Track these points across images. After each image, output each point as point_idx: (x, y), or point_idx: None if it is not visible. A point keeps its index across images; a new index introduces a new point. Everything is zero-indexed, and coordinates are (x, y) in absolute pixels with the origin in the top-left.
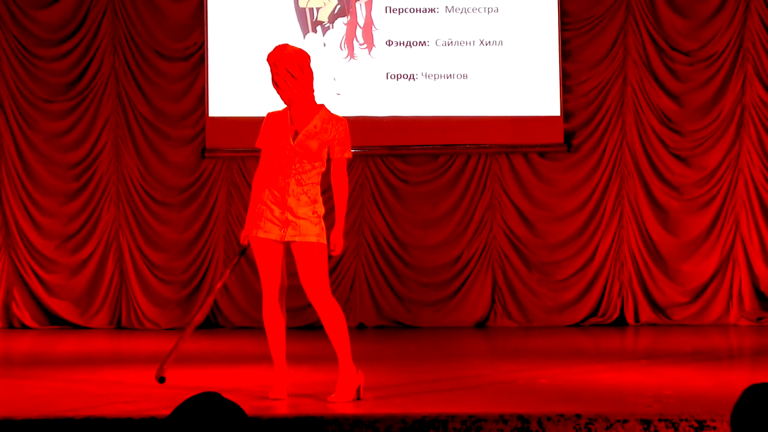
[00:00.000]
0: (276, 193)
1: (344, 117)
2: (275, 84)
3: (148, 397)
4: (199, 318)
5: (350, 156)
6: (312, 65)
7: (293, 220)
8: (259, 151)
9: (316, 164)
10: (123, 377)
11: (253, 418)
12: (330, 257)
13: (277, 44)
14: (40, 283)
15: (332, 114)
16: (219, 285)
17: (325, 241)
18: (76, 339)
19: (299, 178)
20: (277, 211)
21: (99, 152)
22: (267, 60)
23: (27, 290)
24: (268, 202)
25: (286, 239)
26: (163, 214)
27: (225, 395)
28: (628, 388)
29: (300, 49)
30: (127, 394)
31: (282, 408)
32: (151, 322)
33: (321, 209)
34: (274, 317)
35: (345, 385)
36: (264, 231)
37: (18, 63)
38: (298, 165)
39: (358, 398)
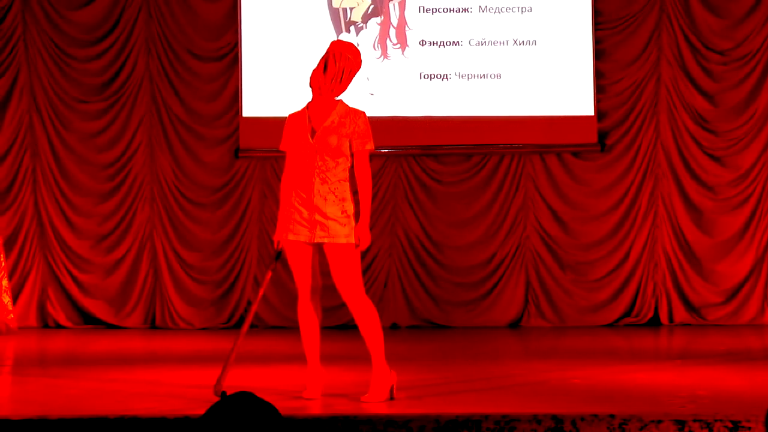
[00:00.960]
0: (303, 194)
1: (362, 110)
2: (322, 69)
3: (182, 396)
4: (245, 328)
5: (372, 148)
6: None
7: (321, 221)
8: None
9: (340, 160)
10: (157, 377)
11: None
12: (363, 255)
13: (349, 42)
14: (75, 283)
15: (350, 107)
16: (261, 293)
17: (355, 241)
18: (111, 338)
19: (323, 176)
20: (305, 213)
21: (133, 152)
22: (333, 45)
23: (62, 290)
24: (296, 204)
25: (315, 240)
26: (197, 213)
27: (259, 395)
28: (662, 388)
29: (361, 57)
30: (161, 393)
31: (316, 408)
32: (185, 322)
33: (350, 207)
34: (308, 318)
35: (378, 385)
36: (294, 233)
37: (53, 63)
38: (320, 163)
39: (392, 398)
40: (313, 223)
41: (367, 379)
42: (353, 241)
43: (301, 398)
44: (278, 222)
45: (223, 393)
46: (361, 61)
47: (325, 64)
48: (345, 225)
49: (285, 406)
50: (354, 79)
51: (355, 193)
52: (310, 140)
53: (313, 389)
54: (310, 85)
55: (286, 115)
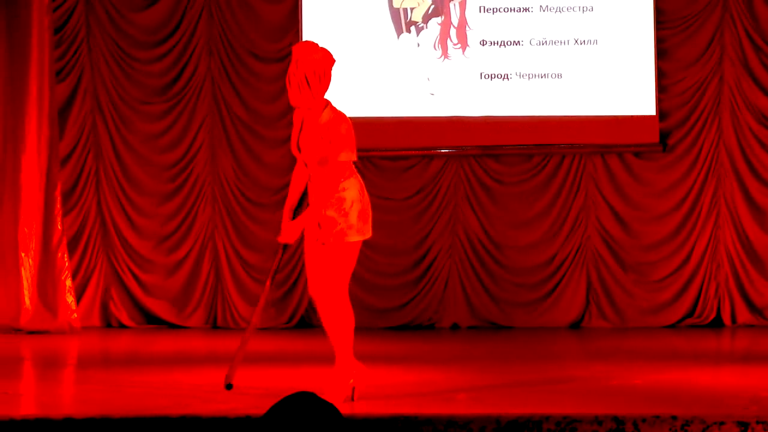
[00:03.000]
0: (311, 195)
1: (346, 116)
2: (287, 81)
3: (243, 396)
4: (257, 321)
5: (346, 158)
6: (332, 70)
7: (318, 222)
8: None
9: (326, 164)
10: (219, 376)
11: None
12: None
13: (307, 41)
14: (137, 283)
15: (335, 113)
16: (267, 284)
17: (350, 240)
18: (173, 338)
19: (316, 180)
20: (312, 215)
21: (195, 153)
22: (292, 52)
23: (124, 290)
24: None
25: (313, 241)
26: (258, 214)
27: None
28: (724, 389)
29: (328, 53)
30: (223, 393)
31: (376, 408)
32: (246, 322)
33: (348, 205)
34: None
35: (340, 384)
36: (304, 234)
37: (115, 65)
38: (310, 168)
39: (352, 399)
40: (315, 224)
41: (426, 379)
42: (349, 240)
43: (363, 399)
44: (284, 216)
45: (230, 385)
46: (325, 56)
47: (287, 77)
48: (340, 224)
49: (345, 406)
50: (331, 72)
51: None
52: (297, 148)
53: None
54: (291, 104)
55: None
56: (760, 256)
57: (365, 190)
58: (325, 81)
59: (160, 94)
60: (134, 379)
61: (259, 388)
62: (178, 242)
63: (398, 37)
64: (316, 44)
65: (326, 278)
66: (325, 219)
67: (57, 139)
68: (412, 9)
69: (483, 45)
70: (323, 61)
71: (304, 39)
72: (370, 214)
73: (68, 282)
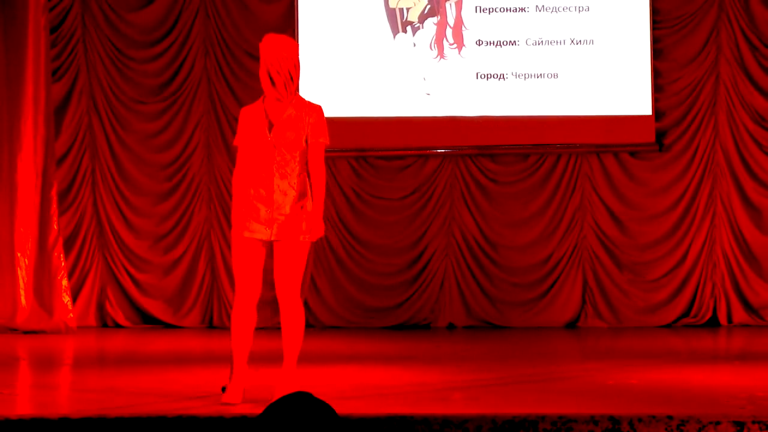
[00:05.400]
0: (262, 191)
1: (319, 104)
2: (268, 78)
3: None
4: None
5: (327, 142)
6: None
7: (280, 218)
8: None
9: (297, 154)
10: (215, 376)
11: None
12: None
13: (274, 35)
14: (134, 283)
15: (306, 101)
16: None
17: (311, 239)
18: (169, 338)
19: (282, 171)
20: (264, 211)
21: (191, 153)
22: (267, 50)
23: (120, 290)
24: (255, 201)
25: (273, 239)
26: None
27: (315, 395)
28: (720, 389)
29: (295, 41)
30: (219, 393)
31: (372, 407)
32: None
33: (309, 204)
34: (247, 318)
35: (292, 387)
36: (249, 231)
37: (111, 64)
38: (278, 158)
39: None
40: (272, 220)
41: (426, 380)
42: (310, 240)
43: (356, 398)
44: (233, 218)
45: (224, 388)
46: (296, 45)
47: (268, 74)
48: (303, 221)
49: (341, 406)
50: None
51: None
52: (268, 134)
53: (235, 393)
54: (271, 96)
55: (344, 115)
56: (756, 256)
57: None
58: (299, 69)
59: (156, 94)
60: (130, 379)
61: (256, 388)
62: (174, 242)
63: (394, 37)
64: (286, 36)
65: (297, 276)
66: (308, 213)
67: (53, 138)
68: (408, 9)
69: (479, 45)
70: (297, 51)
71: (300, 39)
72: None
73: (64, 282)
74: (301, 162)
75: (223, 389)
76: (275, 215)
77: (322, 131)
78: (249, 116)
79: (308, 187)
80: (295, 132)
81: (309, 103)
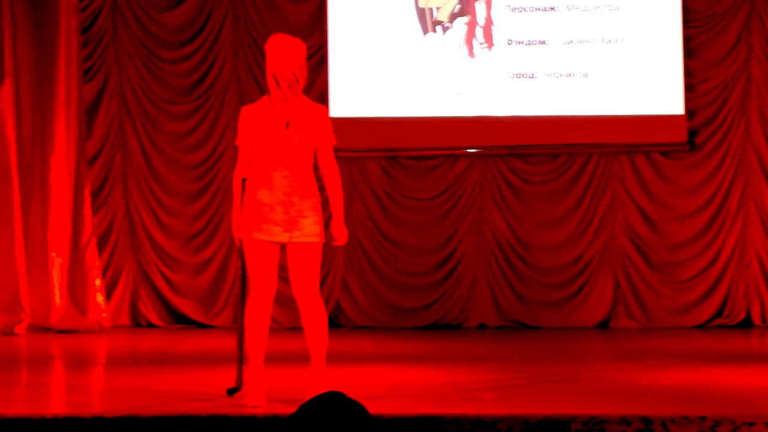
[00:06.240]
0: (276, 192)
1: (323, 105)
2: (273, 79)
3: (271, 395)
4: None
5: (335, 141)
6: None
7: (298, 220)
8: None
9: (305, 155)
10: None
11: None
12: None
13: (280, 35)
14: (166, 282)
15: (311, 102)
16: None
17: (323, 239)
18: (201, 337)
19: (294, 172)
20: (280, 211)
21: (221, 153)
22: (271, 51)
23: (153, 289)
24: (266, 201)
25: (292, 240)
26: None
27: (347, 394)
28: (754, 390)
29: (302, 42)
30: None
31: (403, 407)
32: (273, 321)
33: (319, 204)
34: (262, 319)
35: (323, 388)
36: (267, 233)
37: (142, 65)
38: (291, 157)
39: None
40: (291, 221)
41: (456, 378)
42: (323, 240)
43: (385, 397)
44: (234, 217)
45: (231, 389)
46: (301, 44)
47: (275, 80)
48: (318, 223)
49: (372, 405)
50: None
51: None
52: (282, 134)
53: (257, 396)
54: (276, 97)
55: (374, 115)
56: None
57: None
58: (306, 72)
59: (186, 94)
60: (162, 378)
61: (288, 387)
62: (205, 241)
63: (424, 37)
64: (291, 37)
65: (315, 276)
66: (319, 213)
67: (85, 138)
68: (437, 8)
69: (509, 44)
70: (304, 52)
71: (330, 39)
72: None
73: (97, 281)
74: (309, 162)
75: (230, 392)
76: (293, 216)
77: (329, 132)
78: (253, 116)
79: (316, 187)
80: (303, 132)
81: (313, 104)
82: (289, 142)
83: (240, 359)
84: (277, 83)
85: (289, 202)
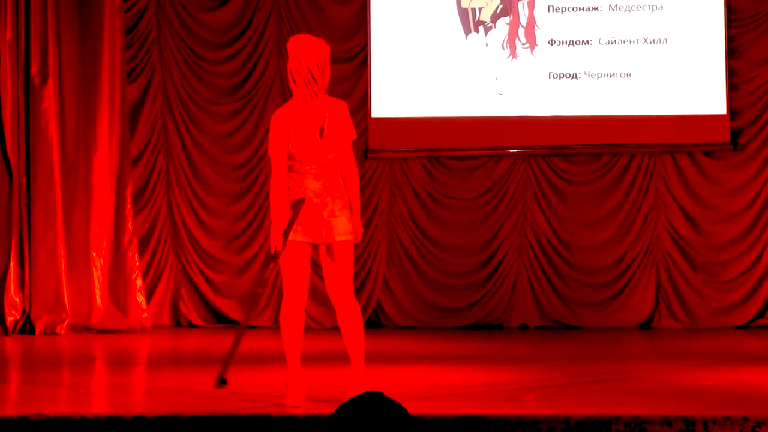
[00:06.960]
0: (309, 194)
1: (342, 100)
2: (291, 78)
3: (312, 395)
4: (247, 322)
5: (354, 137)
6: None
7: (331, 221)
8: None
9: (335, 156)
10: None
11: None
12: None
13: (301, 34)
14: (207, 283)
15: (332, 98)
16: (259, 290)
17: (357, 239)
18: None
19: (327, 174)
20: (314, 212)
21: (264, 153)
22: (290, 50)
23: (194, 289)
24: (304, 205)
25: (327, 240)
26: None
27: (387, 395)
28: None
29: (324, 43)
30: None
31: (444, 407)
32: (314, 321)
33: (347, 203)
34: (298, 320)
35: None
36: (302, 234)
37: (186, 66)
38: (324, 161)
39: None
40: (323, 223)
41: (497, 378)
42: (356, 238)
43: (429, 398)
44: (275, 226)
45: (222, 380)
46: (324, 45)
47: (291, 74)
48: (350, 221)
49: (413, 406)
50: (329, 62)
51: None
52: (320, 138)
53: (296, 396)
54: (297, 97)
55: (417, 115)
56: None
57: None
58: (327, 72)
59: (229, 95)
60: (204, 378)
61: (329, 387)
62: (248, 242)
63: (466, 37)
64: (312, 36)
65: (349, 276)
66: (348, 213)
67: (128, 139)
68: (480, 9)
69: (551, 44)
70: (324, 52)
71: (373, 39)
72: None
73: (139, 281)
74: (335, 162)
75: (219, 383)
76: (327, 217)
77: (351, 127)
78: (284, 123)
79: (343, 186)
80: (334, 135)
81: (334, 100)
82: (323, 147)
83: (230, 354)
84: (294, 81)
85: (323, 203)
